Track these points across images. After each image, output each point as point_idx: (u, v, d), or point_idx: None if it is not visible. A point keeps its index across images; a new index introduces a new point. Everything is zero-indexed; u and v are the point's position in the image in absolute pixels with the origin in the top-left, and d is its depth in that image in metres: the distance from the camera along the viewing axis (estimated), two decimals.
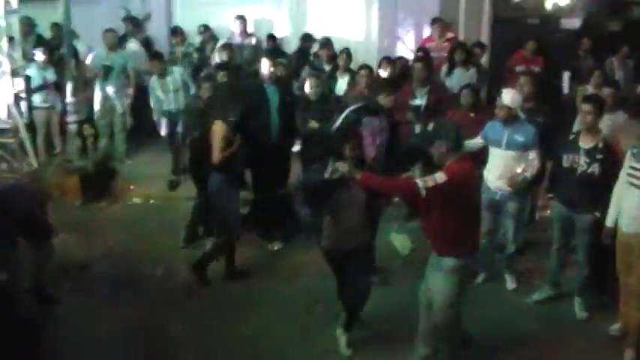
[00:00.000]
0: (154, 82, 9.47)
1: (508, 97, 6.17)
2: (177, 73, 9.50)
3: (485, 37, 10.88)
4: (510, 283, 6.56)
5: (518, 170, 6.11)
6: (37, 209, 6.14)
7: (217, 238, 6.76)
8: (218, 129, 6.45)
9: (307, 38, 10.63)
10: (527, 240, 6.98)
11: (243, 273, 6.79)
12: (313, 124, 7.24)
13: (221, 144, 6.41)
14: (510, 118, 6.13)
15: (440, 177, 4.50)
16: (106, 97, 10.02)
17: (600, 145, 5.67)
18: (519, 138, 6.12)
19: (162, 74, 9.37)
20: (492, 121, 6.34)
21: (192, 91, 9.05)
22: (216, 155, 6.39)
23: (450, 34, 10.30)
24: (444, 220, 4.64)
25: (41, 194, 6.86)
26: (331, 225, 5.28)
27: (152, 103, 9.55)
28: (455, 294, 4.80)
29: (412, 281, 5.58)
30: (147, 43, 11.24)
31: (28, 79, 9.53)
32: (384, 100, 6.44)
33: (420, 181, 4.53)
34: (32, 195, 6.49)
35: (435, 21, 10.33)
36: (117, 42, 10.24)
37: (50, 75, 9.82)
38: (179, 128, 8.81)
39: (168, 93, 9.39)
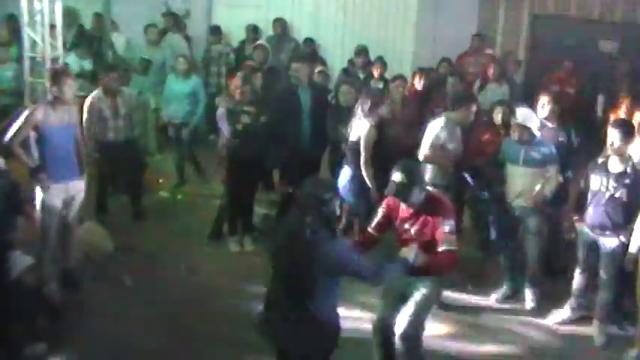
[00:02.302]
0: (98, 98, 7.73)
1: (520, 116, 6.23)
2: (127, 94, 8.01)
3: (522, 55, 10.87)
4: (530, 302, 6.51)
5: (537, 187, 6.14)
6: None
7: None
8: (366, 131, 6.52)
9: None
10: (562, 263, 6.85)
11: None
12: (343, 131, 7.27)
13: (368, 147, 6.50)
14: (525, 136, 6.17)
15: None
16: (139, 92, 10.07)
17: (629, 170, 5.63)
18: (536, 155, 6.16)
19: (114, 92, 7.75)
20: (509, 138, 6.38)
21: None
22: (363, 157, 6.51)
23: (488, 50, 10.29)
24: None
25: None
26: None
27: (86, 127, 7.51)
28: (423, 308, 4.84)
29: None
30: (187, 41, 11.35)
31: (66, 67, 9.68)
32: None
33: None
34: None
35: (475, 36, 10.33)
36: (158, 38, 10.35)
37: (88, 65, 9.97)
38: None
39: (117, 117, 7.75)
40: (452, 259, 4.64)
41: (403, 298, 4.86)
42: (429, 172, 6.32)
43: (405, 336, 4.76)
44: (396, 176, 4.64)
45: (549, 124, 6.64)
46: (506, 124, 6.84)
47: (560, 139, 6.56)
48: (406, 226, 4.74)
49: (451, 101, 6.79)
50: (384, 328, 4.94)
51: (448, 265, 4.72)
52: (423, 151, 6.45)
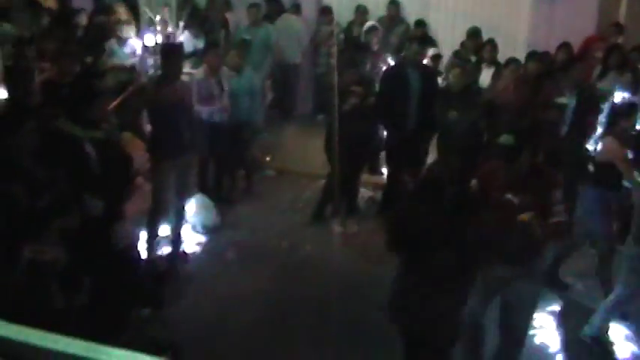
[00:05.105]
0: (204, 75, 7.47)
1: None
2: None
3: None
4: None
5: None
6: None
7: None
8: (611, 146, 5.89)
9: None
10: None
11: None
12: (453, 114, 7.10)
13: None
14: None
15: None
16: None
17: None
18: None
19: (218, 70, 7.54)
20: None
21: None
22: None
23: (620, 40, 9.73)
24: None
25: None
26: None
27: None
28: None
29: None
30: None
31: (179, 44, 9.89)
32: None
33: None
34: None
35: (613, 25, 9.81)
36: (260, 18, 10.40)
37: (201, 43, 10.15)
38: None
39: (221, 96, 7.48)
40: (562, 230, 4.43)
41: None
42: None
43: None
44: (505, 138, 4.38)
45: None
46: None
47: None
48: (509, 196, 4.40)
49: None
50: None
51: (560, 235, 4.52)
52: None
